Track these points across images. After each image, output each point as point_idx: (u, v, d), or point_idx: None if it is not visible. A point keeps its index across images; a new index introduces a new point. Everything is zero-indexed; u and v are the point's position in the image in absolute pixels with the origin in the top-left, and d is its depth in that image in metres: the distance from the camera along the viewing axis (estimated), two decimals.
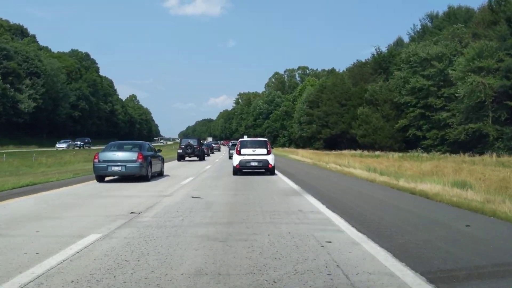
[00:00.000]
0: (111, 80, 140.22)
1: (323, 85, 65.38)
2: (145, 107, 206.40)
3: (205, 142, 44.56)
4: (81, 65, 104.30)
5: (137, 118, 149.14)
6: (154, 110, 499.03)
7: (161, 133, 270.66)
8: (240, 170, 16.01)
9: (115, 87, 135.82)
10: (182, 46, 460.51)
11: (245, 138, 20.78)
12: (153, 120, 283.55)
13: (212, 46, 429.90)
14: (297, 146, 78.49)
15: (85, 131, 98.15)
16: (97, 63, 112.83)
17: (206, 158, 33.28)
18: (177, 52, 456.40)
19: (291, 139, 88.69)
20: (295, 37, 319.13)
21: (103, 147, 16.00)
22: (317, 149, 62.73)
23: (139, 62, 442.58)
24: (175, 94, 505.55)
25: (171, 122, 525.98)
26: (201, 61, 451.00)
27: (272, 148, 18.70)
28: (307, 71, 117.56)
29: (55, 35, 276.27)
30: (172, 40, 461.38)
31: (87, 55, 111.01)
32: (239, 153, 16.13)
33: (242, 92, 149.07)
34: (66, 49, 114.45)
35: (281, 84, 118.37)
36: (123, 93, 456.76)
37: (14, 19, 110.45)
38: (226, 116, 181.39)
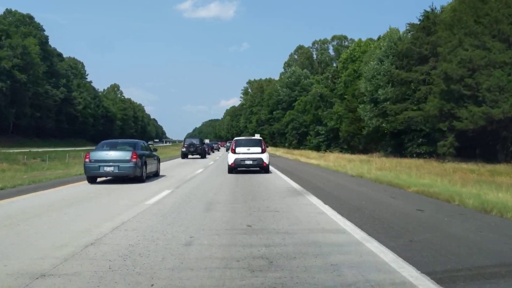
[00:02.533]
0: (82, 63, 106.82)
1: (429, 13, 29.79)
2: (138, 103, 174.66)
3: (206, 143, 44.27)
4: (18, 30, 70.79)
5: (116, 112, 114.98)
6: (165, 112, 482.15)
7: (168, 135, 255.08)
8: (235, 168, 15.77)
9: (85, 73, 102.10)
10: (193, 48, 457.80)
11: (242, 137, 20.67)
12: (155, 120, 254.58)
13: (224, 49, 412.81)
14: (352, 150, 43.29)
15: (9, 127, 64.09)
16: (44, 31, 78.80)
17: (207, 156, 34.28)
18: (189, 55, 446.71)
19: (332, 138, 53.68)
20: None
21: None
22: (417, 155, 27.48)
23: (150, 65, 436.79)
24: (186, 97, 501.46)
25: (181, 124, 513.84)
26: (213, 64, 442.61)
27: (267, 146, 19.74)
28: (345, 42, 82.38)
29: (65, 38, 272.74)
30: (184, 43, 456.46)
31: (29, 17, 77.13)
32: (234, 152, 15.99)
33: (252, 79, 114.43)
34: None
35: (308, 60, 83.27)
36: (135, 96, 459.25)
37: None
38: (232, 113, 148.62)
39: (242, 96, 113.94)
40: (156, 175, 14.41)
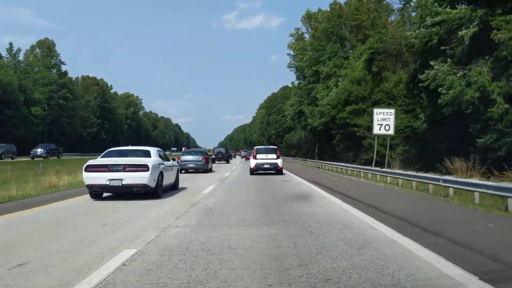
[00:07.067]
0: None
1: None
2: (134, 95, 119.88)
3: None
4: None
5: (28, 89, 56.28)
6: (203, 122, 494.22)
7: (200, 143, 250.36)
8: (256, 170, 21.04)
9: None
10: (234, 59, 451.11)
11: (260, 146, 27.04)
12: (177, 125, 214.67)
13: (265, 58, 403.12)
14: None
15: None
16: None
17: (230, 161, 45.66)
18: (228, 65, 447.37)
19: None
20: None
21: None
22: None
23: (192, 76, 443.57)
24: (225, 107, 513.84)
25: (215, 133, 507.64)
26: (253, 74, 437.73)
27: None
28: None
29: (109, 52, 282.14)
30: (225, 54, 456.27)
31: None
32: (255, 158, 21.40)
33: (312, 10, 51.79)
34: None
35: None
36: (175, 107, 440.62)
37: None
38: (269, 103, 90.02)
39: (292, 45, 50.52)
40: (210, 170, 24.69)
